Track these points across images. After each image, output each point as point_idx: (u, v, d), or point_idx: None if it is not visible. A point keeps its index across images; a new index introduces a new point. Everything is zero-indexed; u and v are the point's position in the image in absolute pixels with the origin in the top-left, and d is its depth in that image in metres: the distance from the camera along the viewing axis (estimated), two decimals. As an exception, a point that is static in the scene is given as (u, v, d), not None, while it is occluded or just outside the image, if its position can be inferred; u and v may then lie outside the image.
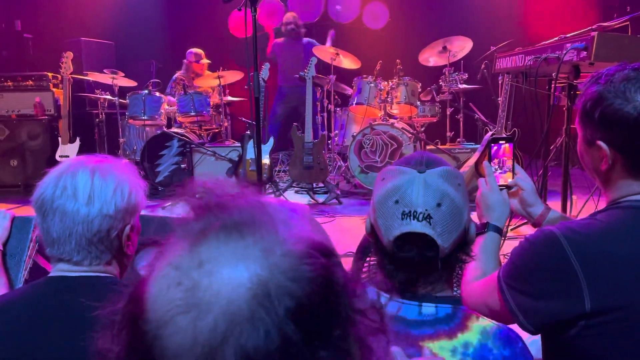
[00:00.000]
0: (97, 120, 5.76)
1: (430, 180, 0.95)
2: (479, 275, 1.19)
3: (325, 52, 5.54)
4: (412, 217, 0.93)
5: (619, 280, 0.97)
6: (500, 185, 1.34)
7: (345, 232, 3.80)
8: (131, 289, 0.50)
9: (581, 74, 2.44)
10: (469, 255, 1.01)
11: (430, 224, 0.93)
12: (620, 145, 1.04)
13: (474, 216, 1.11)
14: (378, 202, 0.98)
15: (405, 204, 0.94)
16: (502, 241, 1.30)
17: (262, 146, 4.70)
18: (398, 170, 0.99)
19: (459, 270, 1.01)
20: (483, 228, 1.26)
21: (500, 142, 1.38)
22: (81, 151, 5.25)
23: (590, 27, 2.47)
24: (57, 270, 1.09)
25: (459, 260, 1.00)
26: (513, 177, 1.37)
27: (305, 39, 6.13)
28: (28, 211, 1.27)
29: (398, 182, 0.96)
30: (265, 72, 4.94)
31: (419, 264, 0.96)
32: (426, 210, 0.93)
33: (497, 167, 1.37)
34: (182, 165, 5.26)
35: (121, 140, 5.64)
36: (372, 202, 1.01)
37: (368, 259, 1.71)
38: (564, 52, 2.32)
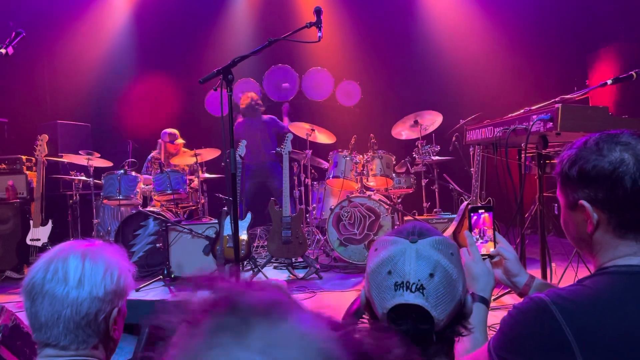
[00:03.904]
0: (70, 201, 5.68)
1: (422, 249, 0.95)
2: (468, 348, 1.16)
3: (301, 128, 5.67)
4: (405, 288, 0.92)
5: (613, 351, 0.95)
6: (482, 255, 1.33)
7: (327, 308, 3.69)
8: None
9: (549, 144, 2.53)
10: (466, 329, 0.99)
11: (423, 295, 0.92)
12: (602, 201, 1.05)
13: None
14: (371, 272, 0.98)
15: (398, 275, 0.94)
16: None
17: (240, 222, 4.67)
18: (390, 241, 0.99)
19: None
20: None
21: (480, 211, 1.38)
22: (53, 234, 5.13)
23: (553, 100, 2.59)
24: (44, 355, 1.10)
25: (457, 334, 0.97)
26: (495, 246, 1.37)
27: (267, 116, 6.14)
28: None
29: (390, 253, 0.97)
30: (242, 148, 5.00)
31: (414, 338, 0.93)
32: (419, 280, 0.92)
33: (478, 236, 1.37)
34: (158, 245, 5.15)
35: (95, 221, 5.54)
36: (366, 273, 1.00)
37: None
38: (531, 123, 2.41)
